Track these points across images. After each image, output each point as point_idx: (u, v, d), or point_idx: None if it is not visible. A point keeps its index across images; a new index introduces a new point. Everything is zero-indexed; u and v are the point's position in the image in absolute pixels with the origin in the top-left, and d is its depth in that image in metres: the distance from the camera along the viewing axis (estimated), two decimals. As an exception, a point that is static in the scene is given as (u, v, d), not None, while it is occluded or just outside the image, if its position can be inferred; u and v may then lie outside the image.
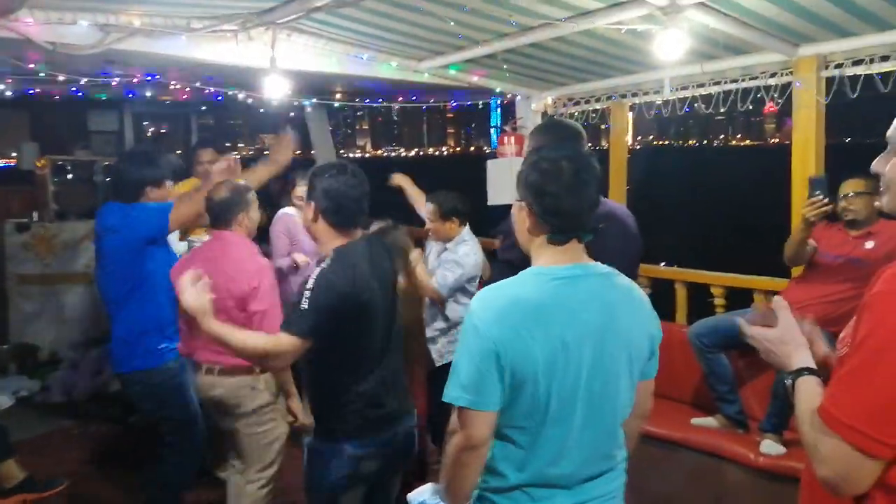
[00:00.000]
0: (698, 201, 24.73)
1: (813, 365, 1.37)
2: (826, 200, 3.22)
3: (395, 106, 6.40)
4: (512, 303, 1.60)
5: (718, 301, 4.45)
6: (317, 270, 2.21)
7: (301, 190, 3.87)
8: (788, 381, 1.36)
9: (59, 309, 6.06)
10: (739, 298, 4.38)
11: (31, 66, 4.17)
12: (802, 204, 3.32)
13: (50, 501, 3.58)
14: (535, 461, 1.64)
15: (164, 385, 3.12)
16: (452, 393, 1.60)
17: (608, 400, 1.66)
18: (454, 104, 6.34)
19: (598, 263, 1.73)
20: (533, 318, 1.58)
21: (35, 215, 6.17)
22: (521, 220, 1.73)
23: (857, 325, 1.22)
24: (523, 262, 1.75)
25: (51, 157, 6.43)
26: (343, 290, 2.17)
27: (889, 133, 1.35)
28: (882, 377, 1.14)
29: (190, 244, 3.94)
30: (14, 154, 7.65)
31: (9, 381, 5.41)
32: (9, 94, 5.16)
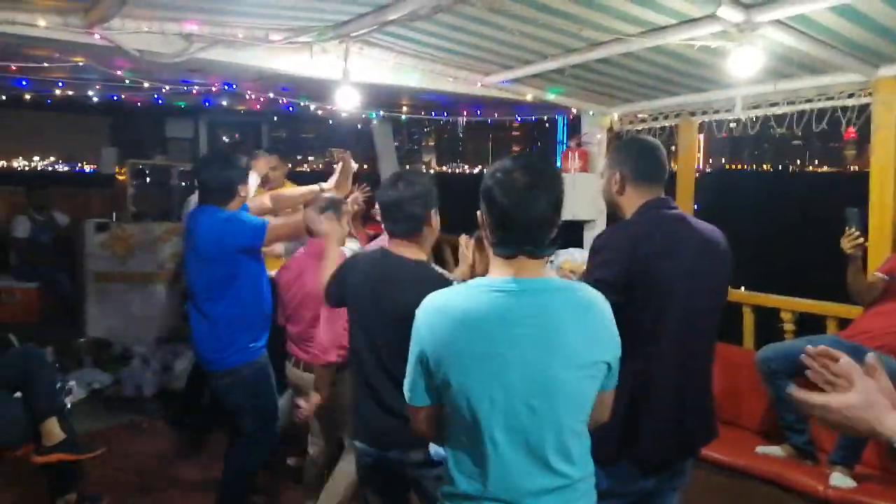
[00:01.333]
0: (771, 226, 24.01)
1: None
2: (858, 233, 3.26)
3: (461, 120, 6.45)
4: (443, 311, 1.64)
5: (788, 327, 4.30)
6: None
7: None
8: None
9: (133, 306, 6.34)
10: (810, 325, 4.24)
11: (119, 72, 4.41)
12: (879, 227, 3.23)
13: (88, 464, 3.71)
14: (476, 470, 1.65)
15: (254, 377, 3.29)
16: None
17: (548, 414, 1.61)
18: (519, 119, 6.36)
19: (555, 279, 1.70)
20: (462, 328, 1.60)
21: (114, 216, 6.48)
22: (484, 230, 1.72)
23: None
24: None
25: (131, 161, 6.74)
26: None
27: None
28: None
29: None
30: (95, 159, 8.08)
31: (84, 373, 5.66)
32: (95, 99, 5.45)
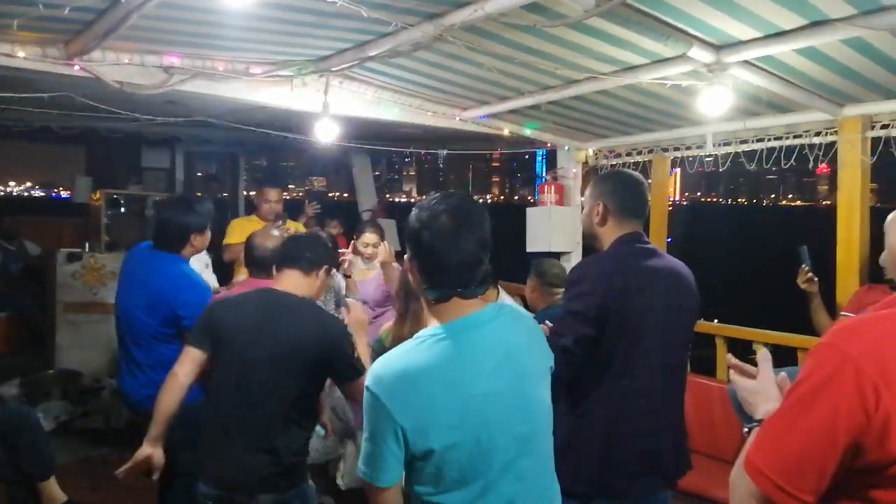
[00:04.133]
0: (745, 257, 24.40)
1: None
2: (809, 271, 3.34)
3: (441, 153, 6.53)
4: (410, 376, 1.52)
5: (762, 359, 4.36)
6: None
7: (370, 237, 3.96)
8: (745, 430, 1.36)
9: (103, 337, 6.22)
10: (783, 356, 4.31)
11: (96, 103, 4.40)
12: (846, 264, 3.32)
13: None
14: None
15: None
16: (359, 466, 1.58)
17: (534, 437, 1.64)
18: (502, 153, 6.45)
19: (489, 307, 1.65)
20: (439, 385, 1.52)
21: (87, 246, 6.40)
22: (412, 274, 1.64)
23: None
24: None
25: (106, 190, 6.69)
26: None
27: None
28: (801, 428, 1.13)
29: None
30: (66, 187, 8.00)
31: (51, 406, 5.53)
32: (68, 128, 5.42)
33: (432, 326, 1.60)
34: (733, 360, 1.53)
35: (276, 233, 3.13)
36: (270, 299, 2.42)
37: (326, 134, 4.29)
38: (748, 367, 1.51)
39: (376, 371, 1.55)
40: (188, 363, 2.41)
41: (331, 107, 4.22)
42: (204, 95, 4.03)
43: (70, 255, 6.27)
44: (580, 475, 2.18)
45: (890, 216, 1.37)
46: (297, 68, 3.97)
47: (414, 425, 1.49)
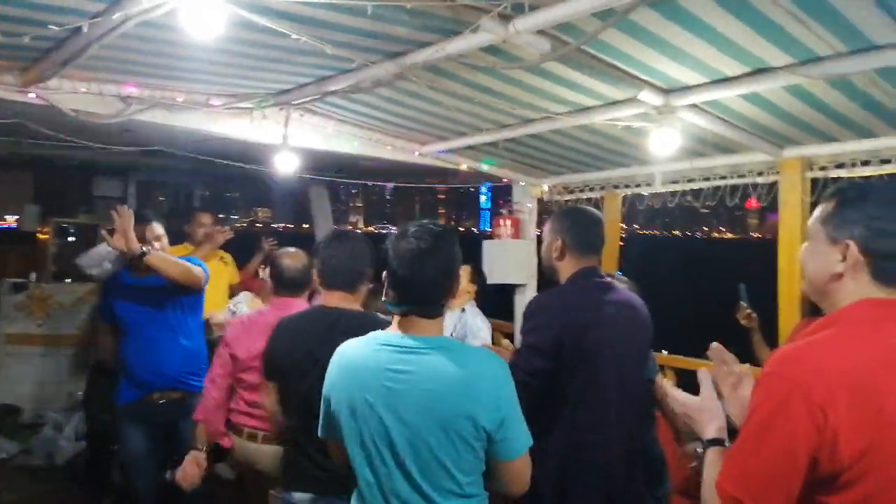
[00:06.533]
0: (687, 290, 24.94)
1: (724, 436, 1.46)
2: (748, 308, 3.64)
3: (393, 185, 6.59)
4: (342, 360, 1.84)
5: (707, 390, 4.49)
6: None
7: None
8: (700, 450, 1.45)
9: (46, 370, 6.02)
10: (727, 387, 4.43)
11: (50, 131, 4.32)
12: (787, 297, 3.48)
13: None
14: None
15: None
16: None
17: (406, 466, 1.70)
18: (451, 187, 6.55)
19: (443, 338, 1.79)
20: (348, 375, 1.79)
21: (33, 276, 6.21)
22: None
23: (750, 403, 1.32)
24: None
25: (55, 219, 6.53)
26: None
27: (809, 221, 1.49)
28: (764, 454, 1.23)
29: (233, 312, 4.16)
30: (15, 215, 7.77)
31: (-11, 442, 5.31)
32: (18, 155, 5.29)
33: (386, 331, 1.85)
34: (667, 389, 1.63)
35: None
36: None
37: (285, 166, 4.31)
38: (679, 393, 1.60)
39: (340, 346, 1.91)
40: None
41: (290, 139, 4.24)
42: (162, 126, 4.01)
43: (15, 286, 6.08)
44: None
45: (802, 248, 1.49)
46: (257, 101, 3.99)
47: (328, 395, 1.85)
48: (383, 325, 2.28)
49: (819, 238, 1.42)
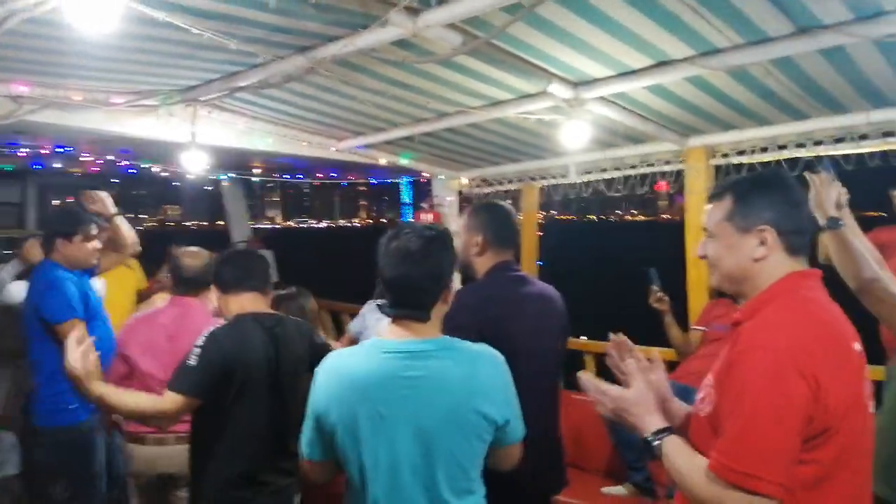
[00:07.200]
0: (602, 274, 25.66)
1: (668, 424, 1.52)
2: (659, 292, 3.75)
3: (313, 182, 6.48)
4: (338, 372, 1.73)
5: (625, 372, 4.65)
6: (210, 328, 2.31)
7: None
8: (657, 442, 1.49)
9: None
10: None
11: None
12: (696, 280, 3.63)
13: None
14: None
15: (73, 444, 3.00)
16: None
17: (429, 474, 1.70)
18: (372, 182, 6.50)
19: (444, 338, 1.79)
20: (352, 389, 1.69)
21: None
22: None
23: (725, 382, 1.38)
24: None
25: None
26: (229, 352, 2.26)
27: (703, 220, 1.60)
28: (765, 426, 1.30)
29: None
30: None
31: None
32: None
33: (383, 337, 1.78)
34: (597, 385, 1.63)
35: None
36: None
37: (194, 164, 4.16)
38: (602, 383, 1.62)
39: (326, 360, 1.79)
40: None
41: (199, 137, 4.10)
42: (58, 126, 3.79)
43: None
44: None
45: (706, 247, 1.58)
46: (162, 97, 3.83)
47: (328, 414, 1.70)
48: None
49: (728, 233, 1.53)
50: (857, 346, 1.43)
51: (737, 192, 1.53)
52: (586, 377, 1.64)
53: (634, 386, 1.57)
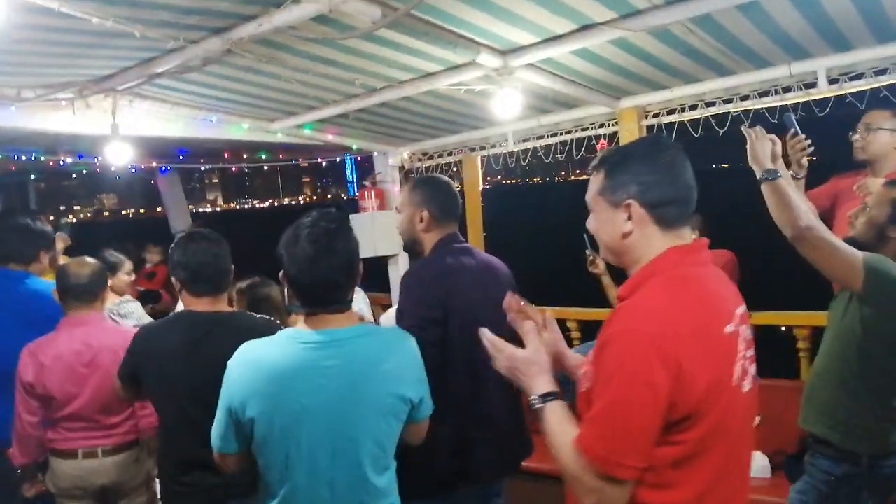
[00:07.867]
0: (547, 235, 25.89)
1: (556, 388, 1.50)
2: (592, 256, 3.79)
3: (247, 166, 6.33)
4: (254, 363, 1.71)
5: (575, 335, 4.73)
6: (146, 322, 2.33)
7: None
8: (539, 405, 1.47)
9: None
10: (595, 331, 4.66)
11: None
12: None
13: None
14: None
15: None
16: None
17: (349, 458, 1.72)
18: (310, 161, 6.38)
19: (359, 325, 1.79)
20: (271, 380, 1.67)
21: None
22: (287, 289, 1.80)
23: (597, 363, 1.37)
24: None
25: None
26: (138, 344, 2.35)
27: (587, 196, 1.56)
28: (625, 413, 1.30)
29: None
30: None
31: None
32: None
33: (299, 328, 1.77)
34: (494, 342, 1.58)
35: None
36: None
37: (118, 157, 4.00)
38: (499, 341, 1.58)
39: (240, 351, 1.76)
40: None
41: (121, 127, 3.94)
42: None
43: None
44: (434, 473, 2.28)
45: (588, 222, 1.58)
46: (77, 89, 3.66)
47: (244, 405, 1.68)
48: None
49: (602, 207, 1.51)
50: (730, 328, 1.40)
51: (608, 165, 1.49)
52: (486, 333, 1.59)
53: (529, 346, 1.55)
